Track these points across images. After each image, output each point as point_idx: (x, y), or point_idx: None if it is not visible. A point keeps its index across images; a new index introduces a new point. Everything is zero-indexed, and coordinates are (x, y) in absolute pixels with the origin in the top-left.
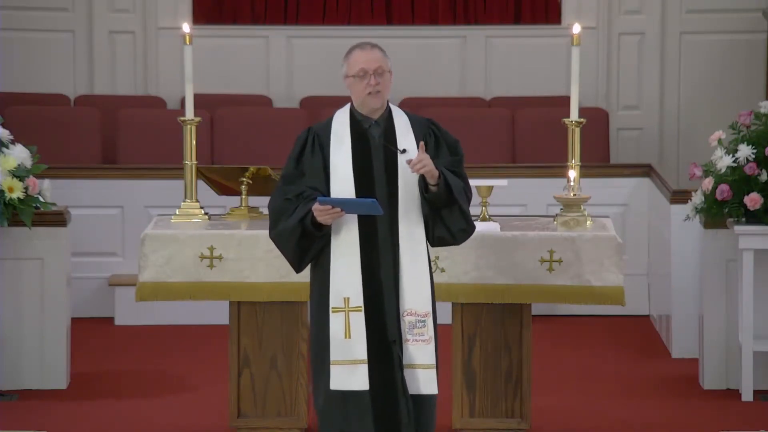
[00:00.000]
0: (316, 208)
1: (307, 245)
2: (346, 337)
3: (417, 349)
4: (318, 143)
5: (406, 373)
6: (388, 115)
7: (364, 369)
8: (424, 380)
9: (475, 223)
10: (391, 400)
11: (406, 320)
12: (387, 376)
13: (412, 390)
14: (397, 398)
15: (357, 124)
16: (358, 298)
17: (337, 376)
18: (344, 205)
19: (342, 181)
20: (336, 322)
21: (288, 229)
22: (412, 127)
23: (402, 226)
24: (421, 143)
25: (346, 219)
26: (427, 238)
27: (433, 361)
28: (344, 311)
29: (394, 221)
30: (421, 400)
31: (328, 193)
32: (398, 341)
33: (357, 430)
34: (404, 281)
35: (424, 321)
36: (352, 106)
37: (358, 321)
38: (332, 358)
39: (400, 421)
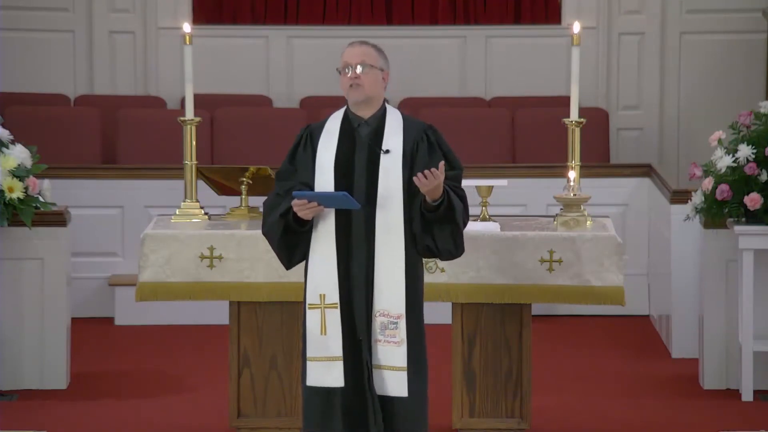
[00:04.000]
0: (294, 203)
1: (292, 241)
2: (322, 334)
3: (387, 351)
4: (310, 139)
5: (375, 373)
6: (381, 116)
7: (339, 366)
8: (392, 382)
9: (473, 224)
10: (360, 398)
11: (378, 320)
12: (357, 375)
13: (380, 391)
14: (365, 397)
15: (347, 123)
16: (333, 295)
17: (314, 372)
18: (319, 198)
19: (324, 177)
20: (312, 318)
21: (273, 224)
22: (406, 129)
23: (379, 225)
24: (441, 163)
25: (324, 215)
26: (416, 246)
27: (404, 364)
28: (320, 308)
29: (371, 220)
30: (403, 402)
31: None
32: (366, 340)
33: (329, 427)
34: (378, 281)
35: (396, 323)
36: (347, 106)
37: (334, 318)
38: (308, 354)
39: (368, 421)
